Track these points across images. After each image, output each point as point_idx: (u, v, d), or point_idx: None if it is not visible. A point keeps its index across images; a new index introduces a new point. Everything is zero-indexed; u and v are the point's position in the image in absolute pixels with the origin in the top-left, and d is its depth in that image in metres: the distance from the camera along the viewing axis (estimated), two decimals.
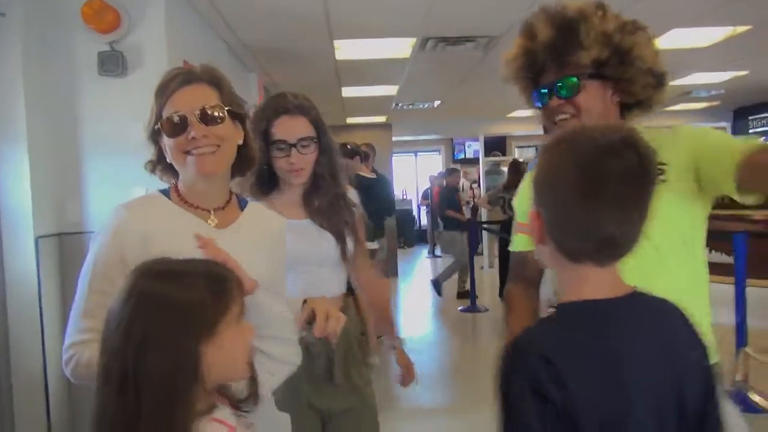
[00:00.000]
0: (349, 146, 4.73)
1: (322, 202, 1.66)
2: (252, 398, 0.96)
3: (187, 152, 1.15)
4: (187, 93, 1.16)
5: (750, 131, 9.53)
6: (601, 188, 0.78)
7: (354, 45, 4.28)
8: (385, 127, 9.16)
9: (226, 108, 1.17)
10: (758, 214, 6.61)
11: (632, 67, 1.23)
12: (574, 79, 1.24)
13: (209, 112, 1.14)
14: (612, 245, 0.80)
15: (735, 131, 10.01)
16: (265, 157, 1.58)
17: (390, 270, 7.88)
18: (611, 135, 0.81)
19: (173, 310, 0.82)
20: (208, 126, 1.13)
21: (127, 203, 1.23)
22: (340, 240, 1.67)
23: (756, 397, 3.17)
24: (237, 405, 0.95)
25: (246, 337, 0.90)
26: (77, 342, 1.09)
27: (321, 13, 3.41)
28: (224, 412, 0.90)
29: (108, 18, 2.62)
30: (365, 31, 3.89)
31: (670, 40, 4.45)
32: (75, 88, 2.71)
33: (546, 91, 1.29)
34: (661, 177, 1.11)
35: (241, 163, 1.26)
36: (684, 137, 1.24)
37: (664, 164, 1.15)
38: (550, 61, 1.26)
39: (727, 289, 3.38)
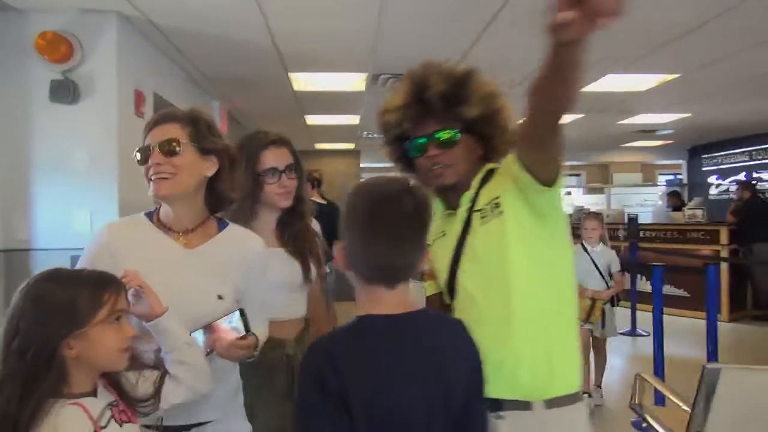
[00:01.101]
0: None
1: (293, 229, 1.82)
2: (152, 402, 1.15)
3: (150, 178, 1.34)
4: (159, 130, 1.36)
5: (703, 169, 9.97)
6: (380, 227, 0.98)
7: (310, 77, 4.50)
8: (354, 153, 9.40)
9: (193, 144, 1.36)
10: (704, 249, 6.96)
11: (498, 127, 1.36)
12: (456, 131, 1.34)
13: (168, 144, 1.33)
14: (392, 271, 1.00)
15: (690, 169, 10.46)
16: (251, 187, 1.74)
17: (342, 292, 7.99)
18: (395, 185, 1.03)
19: (42, 307, 1.02)
20: (166, 156, 1.33)
21: (111, 223, 1.45)
22: (305, 266, 1.80)
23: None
24: (132, 402, 1.13)
25: (121, 335, 1.07)
26: None
27: (271, 46, 3.61)
28: (97, 403, 1.07)
29: (61, 49, 2.80)
30: (317, 64, 4.11)
31: (609, 84, 4.77)
32: (27, 113, 2.88)
33: (424, 140, 1.36)
34: (500, 209, 1.30)
35: (214, 196, 1.44)
36: (504, 166, 1.34)
37: (497, 197, 1.31)
38: (439, 112, 1.34)
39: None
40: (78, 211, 2.92)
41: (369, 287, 1.02)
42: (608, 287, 3.82)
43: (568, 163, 12.29)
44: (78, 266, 1.33)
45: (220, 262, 1.42)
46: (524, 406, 1.25)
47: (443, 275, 1.38)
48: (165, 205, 1.42)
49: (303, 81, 4.59)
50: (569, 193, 12.92)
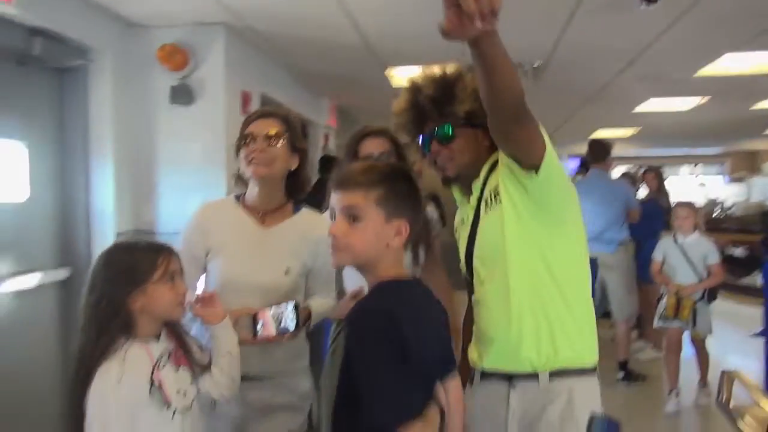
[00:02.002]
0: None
1: None
2: (204, 368, 1.42)
3: (248, 160, 1.64)
4: (263, 122, 1.68)
5: None
6: None
7: (408, 71, 4.67)
8: None
9: (288, 140, 1.67)
10: None
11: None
12: (449, 127, 1.45)
13: (270, 135, 1.65)
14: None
15: None
16: None
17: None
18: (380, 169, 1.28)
19: (111, 269, 1.32)
20: (268, 145, 1.65)
21: (205, 204, 1.81)
22: (414, 250, 1.90)
23: None
24: (189, 353, 1.40)
25: (175, 292, 1.35)
26: None
27: (362, 45, 3.84)
28: (157, 347, 1.34)
29: (178, 58, 3.23)
30: (412, 60, 4.26)
31: (730, 64, 4.42)
32: (151, 114, 3.35)
33: (427, 138, 1.50)
34: (499, 198, 1.39)
35: (293, 185, 1.76)
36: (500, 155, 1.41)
37: (497, 186, 1.40)
38: (432, 113, 1.47)
39: None
40: (193, 198, 3.31)
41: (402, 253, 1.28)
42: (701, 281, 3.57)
43: (703, 151, 11.33)
44: (181, 237, 1.69)
45: (292, 241, 1.68)
46: (532, 377, 1.37)
47: (463, 260, 1.51)
48: (252, 189, 1.71)
49: (400, 77, 4.77)
50: (703, 185, 11.89)
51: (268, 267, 1.65)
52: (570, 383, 1.36)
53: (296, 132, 1.74)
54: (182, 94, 3.30)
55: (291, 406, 1.70)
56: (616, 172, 7.31)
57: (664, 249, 3.72)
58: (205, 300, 1.45)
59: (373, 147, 1.94)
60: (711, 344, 3.79)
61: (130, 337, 1.31)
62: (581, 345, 1.40)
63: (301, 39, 3.71)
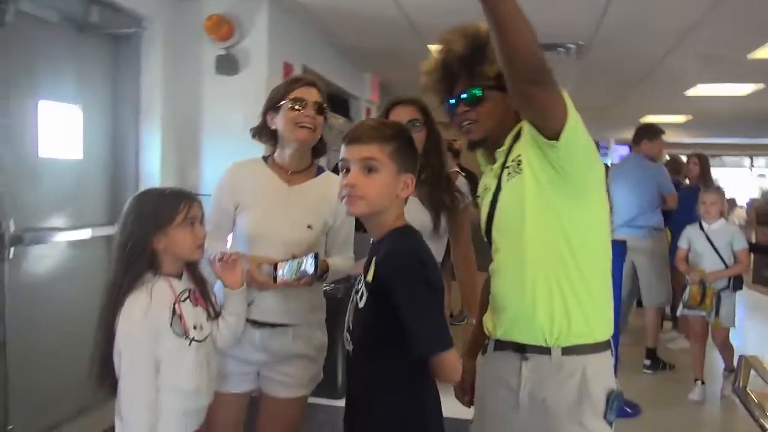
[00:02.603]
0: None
1: (427, 179, 2.01)
2: (216, 316, 1.59)
3: (297, 124, 1.78)
4: (309, 90, 1.82)
5: None
6: None
7: None
8: None
9: (327, 111, 1.84)
10: None
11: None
12: (479, 89, 1.40)
13: (319, 103, 1.81)
14: None
15: None
16: None
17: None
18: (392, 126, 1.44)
19: (138, 213, 1.48)
20: (316, 113, 1.80)
21: (235, 162, 1.96)
22: (435, 216, 2.03)
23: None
24: (206, 294, 1.55)
25: (194, 236, 1.50)
26: None
27: (403, 19, 3.89)
28: (179, 284, 1.51)
29: (224, 29, 3.36)
30: None
31: None
32: (198, 83, 3.51)
33: (454, 101, 1.45)
34: (521, 167, 1.35)
35: (318, 149, 1.91)
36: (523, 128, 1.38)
37: (520, 155, 1.36)
38: (461, 72, 1.41)
39: None
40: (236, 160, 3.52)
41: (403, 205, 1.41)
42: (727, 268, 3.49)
43: (763, 141, 10.87)
44: (213, 195, 1.87)
45: (315, 199, 1.82)
46: (544, 350, 1.34)
47: (483, 228, 1.50)
48: (284, 150, 1.85)
49: None
50: (763, 176, 11.45)
51: (291, 222, 1.78)
52: (583, 360, 1.34)
53: (327, 107, 1.87)
54: (227, 64, 3.45)
55: (307, 356, 1.84)
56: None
57: (690, 236, 3.67)
58: (228, 263, 1.59)
59: (402, 115, 2.03)
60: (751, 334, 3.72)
61: (155, 273, 1.48)
62: (595, 319, 1.37)
63: (343, 13, 3.79)
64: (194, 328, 1.49)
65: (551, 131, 1.26)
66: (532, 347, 1.35)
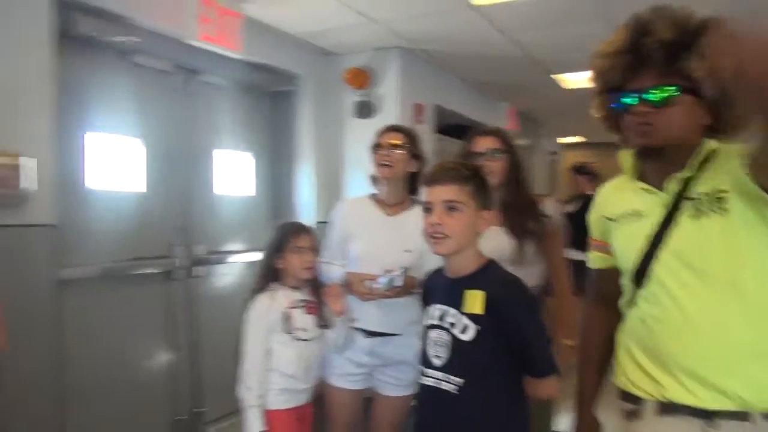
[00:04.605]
0: (579, 164, 5.27)
1: (507, 206, 2.11)
2: (327, 326, 2.01)
3: (378, 164, 2.18)
4: (388, 135, 2.22)
5: None
6: None
7: (576, 75, 4.81)
8: None
9: (406, 147, 2.16)
10: None
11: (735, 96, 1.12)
12: (675, 89, 1.17)
13: (393, 144, 2.16)
14: None
15: None
16: None
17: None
18: (468, 166, 1.54)
19: (269, 239, 1.98)
20: (394, 152, 2.14)
21: (347, 199, 2.43)
22: (518, 243, 2.07)
23: None
24: (318, 312, 1.99)
25: (301, 260, 1.94)
26: (323, 262, 2.22)
27: (522, 55, 4.14)
28: (294, 294, 1.97)
29: (361, 79, 3.91)
30: (576, 66, 4.42)
31: None
32: (340, 126, 4.09)
33: (635, 96, 1.20)
34: (723, 206, 1.15)
35: (413, 184, 2.22)
36: (732, 159, 1.16)
37: (724, 192, 1.15)
38: (654, 63, 1.18)
39: None
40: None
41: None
42: None
43: None
44: (331, 223, 2.28)
45: (410, 227, 2.15)
46: (739, 416, 1.14)
47: (633, 259, 1.27)
48: (381, 187, 2.23)
49: (571, 80, 4.92)
50: None
51: (390, 246, 2.12)
52: None
53: (416, 142, 2.20)
54: (364, 109, 3.99)
55: (408, 361, 2.11)
56: None
57: None
58: (332, 294, 1.99)
59: (484, 144, 2.15)
60: None
61: (280, 283, 1.97)
62: None
63: (468, 55, 4.16)
64: (300, 329, 1.93)
65: None
66: (722, 412, 1.14)
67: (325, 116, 4.07)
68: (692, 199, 1.20)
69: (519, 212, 2.12)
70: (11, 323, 1.62)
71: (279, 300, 1.94)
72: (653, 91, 1.18)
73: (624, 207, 1.31)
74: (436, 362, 1.46)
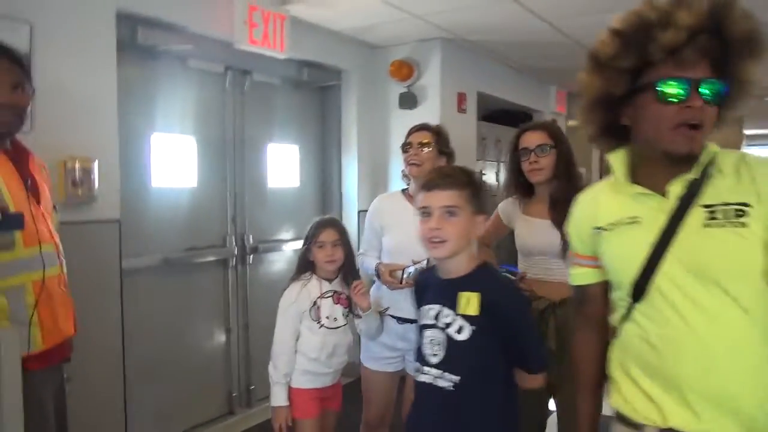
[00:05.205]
0: None
1: (557, 200, 2.05)
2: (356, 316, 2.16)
3: (408, 162, 2.30)
4: (417, 134, 2.35)
5: None
6: None
7: None
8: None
9: (437, 146, 2.28)
10: None
11: (744, 98, 1.12)
12: (724, 85, 1.07)
13: (422, 143, 2.28)
14: None
15: None
16: (513, 165, 2.18)
17: None
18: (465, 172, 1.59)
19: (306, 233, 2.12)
20: (421, 149, 2.27)
21: (380, 196, 2.55)
22: (564, 237, 1.92)
23: None
24: (347, 303, 2.14)
25: (323, 254, 2.09)
26: (360, 253, 2.42)
27: (572, 43, 4.11)
28: (327, 285, 2.12)
29: (404, 71, 4.00)
30: None
31: None
32: (385, 116, 4.21)
33: (688, 84, 1.05)
34: (743, 220, 1.06)
35: None
36: (762, 177, 1.10)
37: (746, 205, 1.07)
38: (720, 53, 1.06)
39: None
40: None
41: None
42: None
43: None
44: (366, 218, 2.43)
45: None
46: None
47: (633, 270, 1.15)
48: (413, 183, 2.35)
49: None
50: None
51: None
52: None
53: (444, 140, 2.30)
54: (408, 100, 4.08)
55: None
56: None
57: None
58: (357, 290, 2.09)
59: (532, 140, 2.13)
60: None
61: (313, 274, 2.12)
62: None
63: (511, 42, 4.16)
64: (327, 318, 2.08)
65: None
66: None
67: (371, 108, 4.19)
68: (708, 206, 1.09)
69: (568, 206, 2.17)
70: (80, 310, 1.83)
71: (310, 289, 2.10)
72: (708, 84, 1.06)
73: (619, 214, 1.18)
74: (433, 360, 1.51)
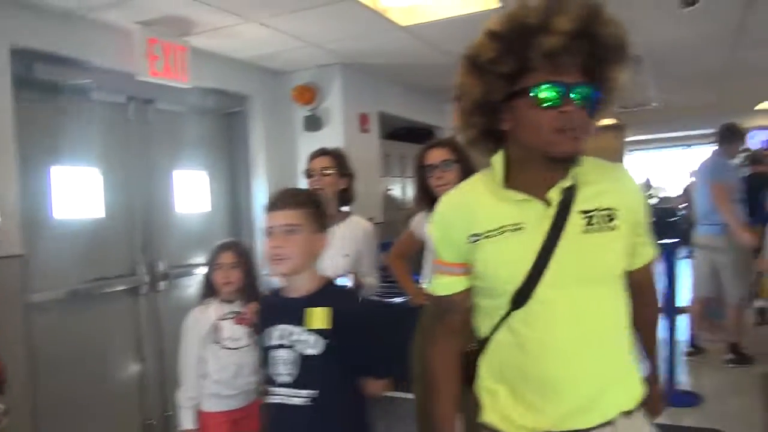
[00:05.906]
0: None
1: None
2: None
3: (312, 189, 2.44)
4: (317, 160, 2.53)
5: None
6: None
7: None
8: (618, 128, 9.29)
9: (335, 169, 2.47)
10: None
11: (608, 104, 1.14)
12: (594, 90, 1.08)
13: (320, 168, 2.47)
14: None
15: None
16: (420, 181, 2.29)
17: None
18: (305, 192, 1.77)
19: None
20: (320, 177, 2.47)
21: None
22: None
23: None
24: (249, 323, 2.16)
25: (222, 277, 2.17)
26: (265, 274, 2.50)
27: (457, 63, 4.44)
28: (228, 307, 2.19)
29: (307, 95, 4.19)
30: None
31: None
32: (291, 139, 4.37)
33: (563, 89, 1.05)
34: (613, 224, 1.13)
35: (343, 198, 2.54)
36: (630, 193, 1.20)
37: (614, 209, 1.14)
38: (589, 58, 1.06)
39: None
40: None
41: None
42: None
43: None
44: None
45: (346, 236, 2.46)
46: (606, 425, 1.14)
47: (517, 279, 1.12)
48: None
49: None
50: None
51: (331, 253, 2.41)
52: (639, 423, 1.18)
53: (343, 162, 2.50)
54: (313, 123, 4.27)
55: None
56: None
57: None
58: (250, 312, 2.11)
59: (436, 156, 2.23)
60: None
61: (216, 297, 2.19)
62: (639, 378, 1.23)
63: (405, 65, 4.44)
64: (228, 338, 2.13)
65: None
66: (596, 427, 1.13)
67: (277, 132, 4.34)
68: (586, 212, 1.13)
69: None
70: None
71: (209, 312, 2.16)
72: (578, 89, 1.06)
73: (501, 221, 1.14)
74: (285, 379, 1.53)
